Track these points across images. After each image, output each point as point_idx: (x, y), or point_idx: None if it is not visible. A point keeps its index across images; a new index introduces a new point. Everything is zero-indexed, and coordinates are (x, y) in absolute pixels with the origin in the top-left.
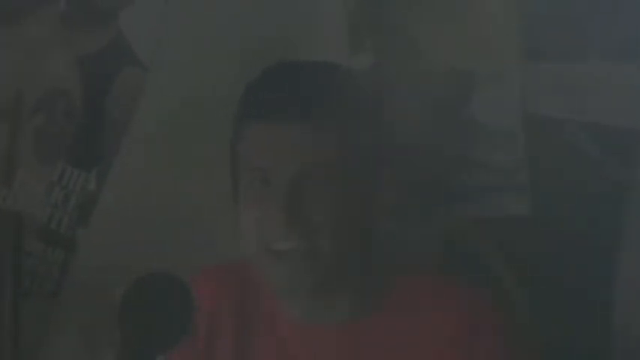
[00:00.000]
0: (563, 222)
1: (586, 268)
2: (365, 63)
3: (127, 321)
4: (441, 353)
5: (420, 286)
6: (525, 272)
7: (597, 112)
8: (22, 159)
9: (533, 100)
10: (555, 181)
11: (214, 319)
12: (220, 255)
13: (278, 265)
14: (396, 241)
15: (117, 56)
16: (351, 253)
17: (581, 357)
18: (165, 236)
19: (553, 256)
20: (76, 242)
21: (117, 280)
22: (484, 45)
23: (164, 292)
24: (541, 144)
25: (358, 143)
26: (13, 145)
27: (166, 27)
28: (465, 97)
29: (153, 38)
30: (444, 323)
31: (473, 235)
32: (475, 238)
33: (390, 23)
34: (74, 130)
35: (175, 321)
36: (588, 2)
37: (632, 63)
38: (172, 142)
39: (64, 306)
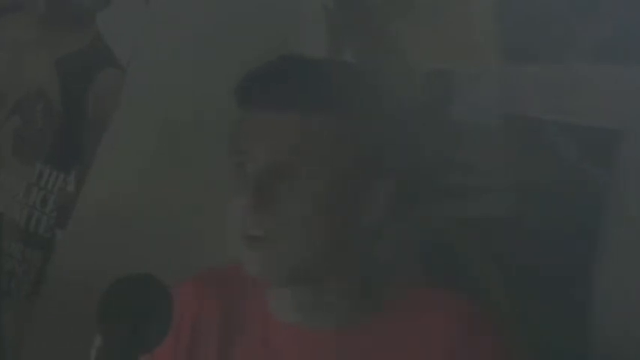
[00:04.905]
0: (544, 222)
1: (567, 267)
2: None
3: (105, 322)
4: None
5: (411, 295)
6: (509, 272)
7: (577, 112)
8: (1, 160)
9: (514, 101)
10: (536, 182)
11: (199, 320)
12: (203, 257)
13: (249, 252)
14: (379, 242)
15: (95, 57)
16: (331, 252)
17: (561, 357)
18: (145, 237)
19: (535, 256)
20: (55, 243)
21: (95, 282)
22: (464, 45)
23: (142, 292)
24: (521, 144)
25: (349, 138)
26: None
27: (144, 27)
28: (446, 98)
29: (131, 39)
30: (436, 333)
31: (456, 235)
32: (458, 239)
33: (370, 24)
34: (53, 131)
35: (154, 322)
36: (568, 3)
37: (611, 64)
38: (151, 142)
39: (43, 307)
